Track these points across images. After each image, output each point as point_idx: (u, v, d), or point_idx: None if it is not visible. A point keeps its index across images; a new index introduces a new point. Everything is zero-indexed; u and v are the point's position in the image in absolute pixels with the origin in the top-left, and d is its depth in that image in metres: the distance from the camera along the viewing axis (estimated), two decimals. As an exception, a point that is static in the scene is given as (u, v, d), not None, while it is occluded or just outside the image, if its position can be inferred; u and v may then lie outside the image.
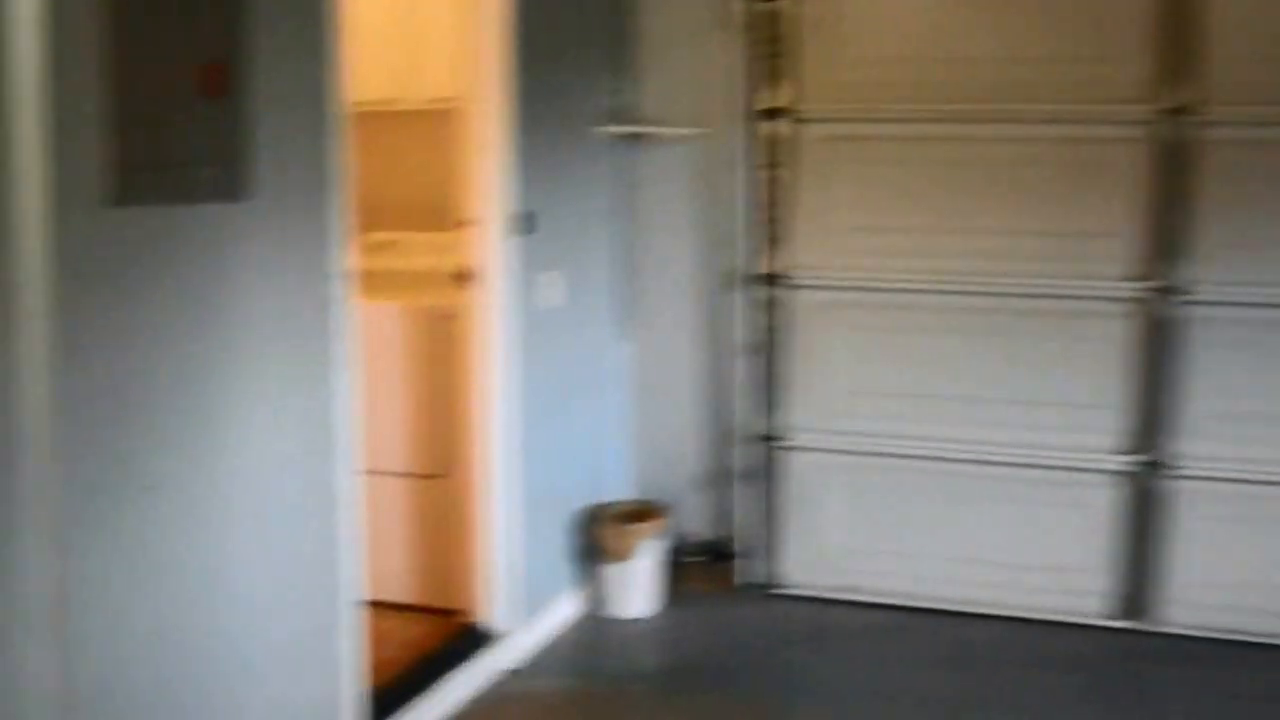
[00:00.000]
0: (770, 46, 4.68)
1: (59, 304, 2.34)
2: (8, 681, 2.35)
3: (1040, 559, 4.60)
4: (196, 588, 2.78)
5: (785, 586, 4.86)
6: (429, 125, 4.99)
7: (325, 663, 3.26)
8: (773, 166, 4.74)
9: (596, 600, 4.69)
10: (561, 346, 4.49)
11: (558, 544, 4.56)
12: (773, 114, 4.71)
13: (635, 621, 4.63)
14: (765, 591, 4.87)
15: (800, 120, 4.70)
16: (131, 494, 2.58)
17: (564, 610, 4.58)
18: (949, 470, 4.66)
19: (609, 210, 4.88)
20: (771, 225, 4.77)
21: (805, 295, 4.76)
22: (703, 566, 5.04)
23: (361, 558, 3.39)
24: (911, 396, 4.68)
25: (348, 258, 3.23)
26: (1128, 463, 4.49)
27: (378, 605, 3.99)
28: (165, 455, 2.66)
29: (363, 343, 3.40)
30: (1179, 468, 4.45)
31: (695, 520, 5.08)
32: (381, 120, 4.65)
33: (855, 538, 4.78)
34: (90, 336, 2.44)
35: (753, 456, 4.87)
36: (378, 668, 3.64)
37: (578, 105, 4.62)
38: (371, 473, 4.02)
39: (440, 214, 4.94)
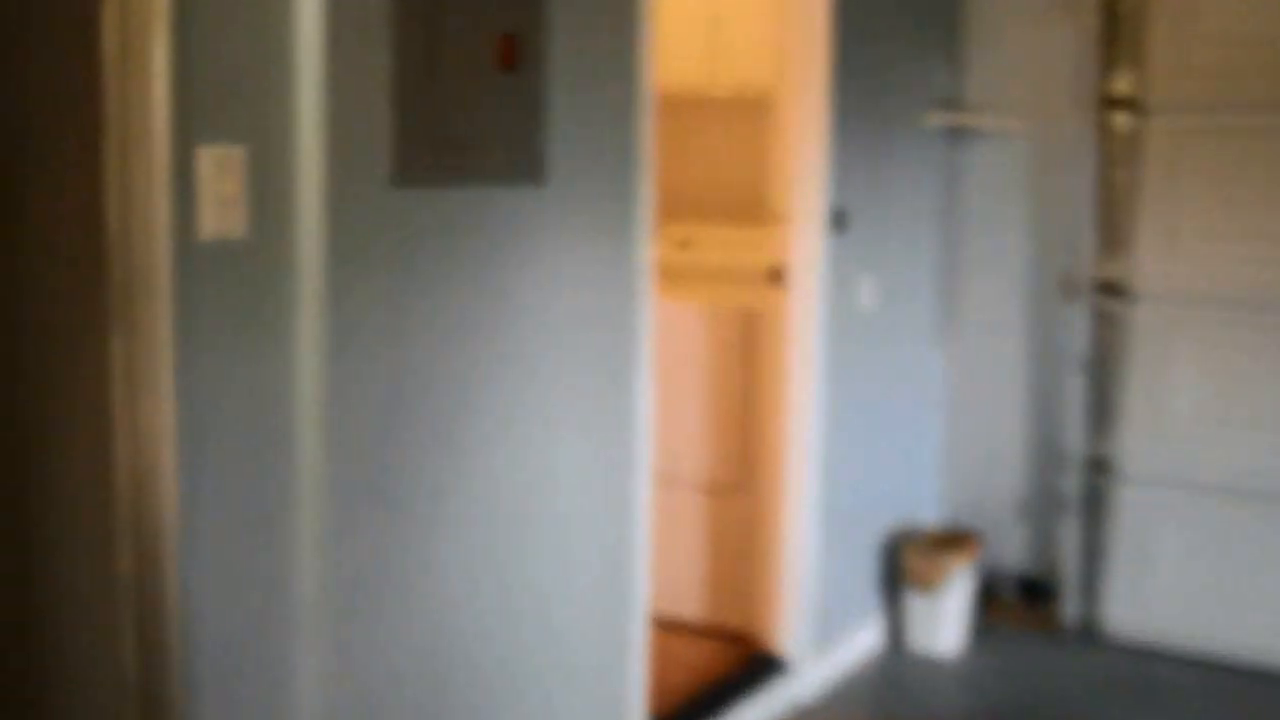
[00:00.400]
0: (1111, 27, 4.16)
1: (335, 292, 2.13)
2: (277, 693, 2.17)
3: None
4: (475, 600, 2.55)
5: (1109, 632, 4.34)
6: (733, 114, 4.72)
7: (610, 683, 3.02)
8: (1113, 163, 4.22)
9: (898, 633, 4.29)
10: (872, 354, 4.11)
11: (859, 569, 4.18)
12: (1114, 103, 4.19)
13: (940, 659, 4.20)
14: (1086, 636, 4.37)
15: (1145, 111, 4.17)
16: (409, 500, 2.36)
17: (862, 642, 4.19)
18: (1312, 514, 4.05)
19: (928, 208, 4.46)
20: (1110, 228, 4.26)
21: (1146, 307, 4.24)
22: (1017, 603, 4.57)
23: (651, 572, 3.11)
24: (1267, 427, 4.09)
25: (650, 252, 2.94)
26: None
27: (664, 623, 3.72)
28: (446, 458, 2.43)
29: (660, 343, 3.11)
30: None
31: (1011, 551, 4.60)
32: (682, 108, 4.37)
33: (1193, 583, 4.22)
34: (367, 328, 2.22)
35: (1079, 485, 4.37)
36: (662, 691, 3.38)
37: (899, 94, 4.22)
38: (663, 482, 3.74)
39: (742, 208, 4.66)
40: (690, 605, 4.11)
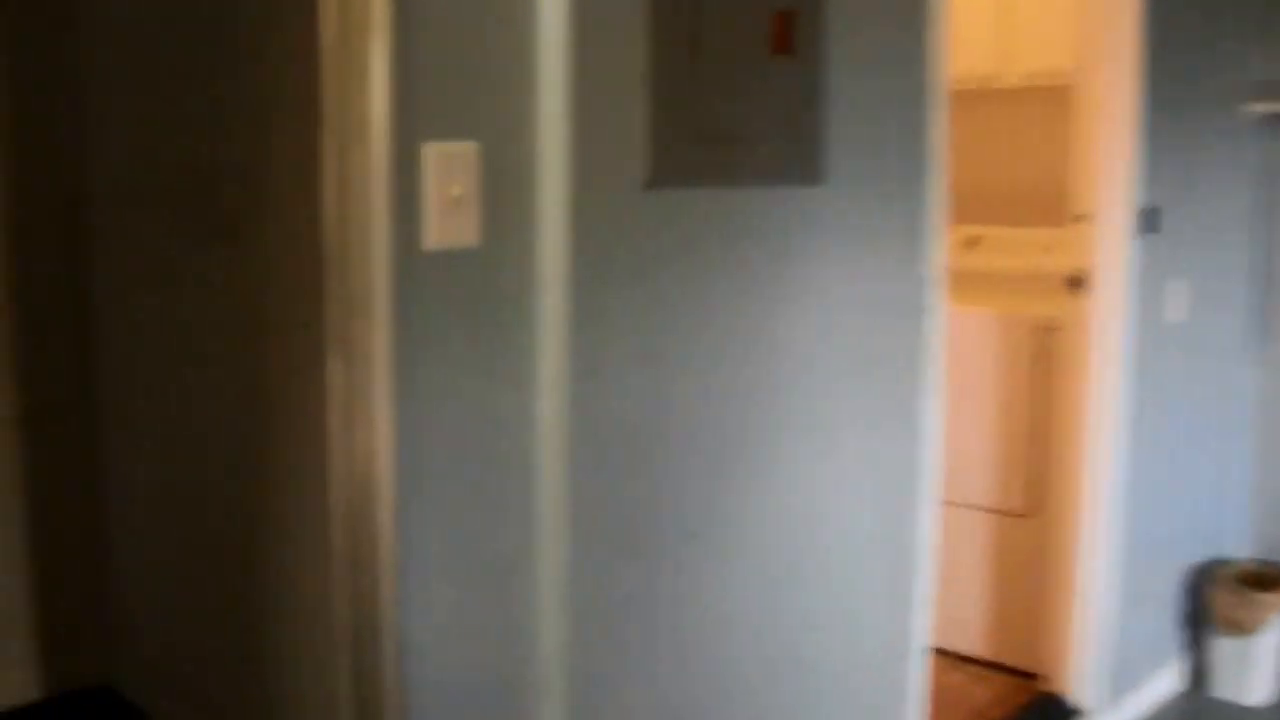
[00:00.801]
0: None
1: (580, 308, 1.78)
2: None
3: None
4: (735, 650, 2.18)
5: None
6: (1025, 104, 4.20)
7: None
8: None
9: (1201, 679, 3.70)
10: (1181, 370, 3.54)
11: (1160, 606, 3.62)
12: None
13: (1250, 710, 3.59)
14: None
15: None
16: (664, 543, 2.00)
17: (1161, 687, 3.63)
18: None
19: (1244, 206, 3.83)
20: None
21: None
22: (1341, 649, 3.90)
23: (932, 602, 2.69)
24: None
25: (941, 259, 2.50)
26: None
27: (942, 658, 3.27)
28: (705, 494, 2.06)
29: (944, 353, 2.66)
30: None
31: (1333, 590, 3.92)
32: (968, 98, 3.88)
33: None
34: (616, 349, 1.86)
35: None
36: (937, 734, 2.92)
37: (1216, 79, 3.62)
38: (946, 504, 3.29)
39: (1035, 206, 4.12)
40: (970, 639, 3.64)
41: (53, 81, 3.03)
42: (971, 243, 4.15)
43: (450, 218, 1.60)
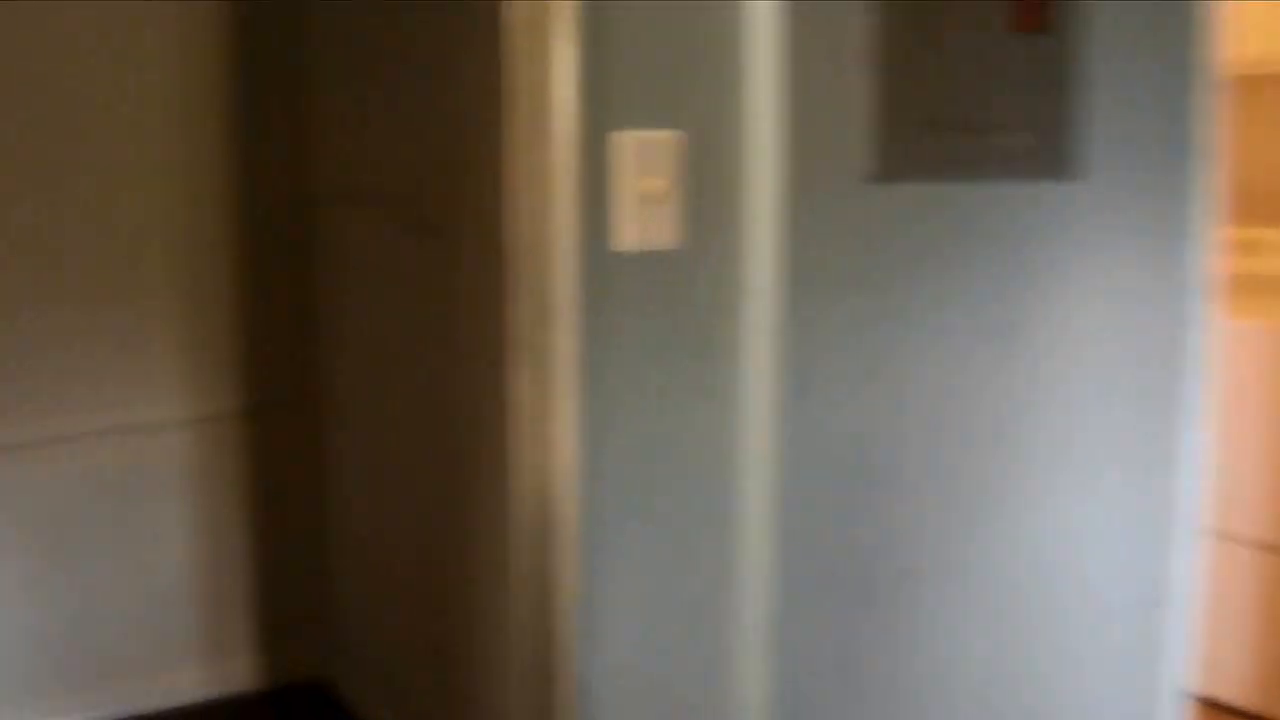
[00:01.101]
0: None
1: (794, 318, 1.57)
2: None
3: None
4: (964, 697, 1.92)
5: None
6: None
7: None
8: None
9: None
10: None
11: None
12: None
13: None
14: None
15: None
16: (883, 584, 1.78)
17: None
18: None
19: None
20: None
21: None
22: None
23: (1193, 645, 2.37)
24: None
25: (1210, 265, 2.19)
26: None
27: (1203, 704, 2.93)
28: (936, 531, 1.83)
29: (1214, 369, 2.35)
30: None
31: None
32: (1246, 85, 3.48)
33: None
34: (834, 366, 1.65)
35: None
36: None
37: None
38: (1212, 536, 2.94)
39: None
40: (1236, 687, 3.25)
41: (282, 91, 3.04)
42: (1245, 246, 3.74)
43: (647, 216, 1.42)
